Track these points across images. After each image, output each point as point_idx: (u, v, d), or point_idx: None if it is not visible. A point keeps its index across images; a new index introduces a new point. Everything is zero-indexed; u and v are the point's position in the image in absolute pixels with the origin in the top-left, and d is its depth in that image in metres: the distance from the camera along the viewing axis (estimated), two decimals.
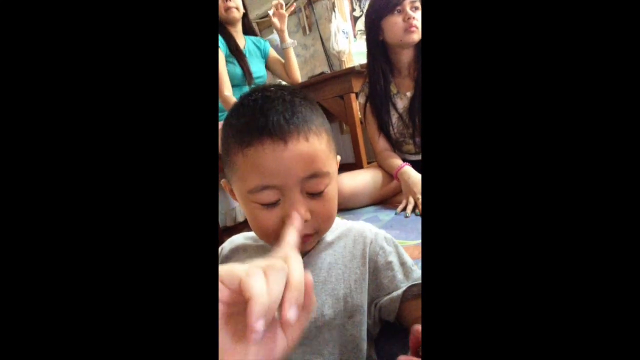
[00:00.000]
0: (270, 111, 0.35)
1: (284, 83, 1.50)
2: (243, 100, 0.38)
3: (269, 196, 0.36)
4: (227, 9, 1.37)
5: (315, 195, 0.37)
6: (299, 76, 1.58)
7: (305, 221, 0.37)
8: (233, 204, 1.83)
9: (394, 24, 1.03)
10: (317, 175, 0.36)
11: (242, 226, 1.87)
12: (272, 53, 1.58)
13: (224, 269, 0.23)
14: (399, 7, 1.02)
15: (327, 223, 0.40)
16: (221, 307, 0.23)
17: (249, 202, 0.37)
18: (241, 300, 0.22)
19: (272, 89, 0.38)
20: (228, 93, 1.32)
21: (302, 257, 0.41)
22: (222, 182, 0.43)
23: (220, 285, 0.23)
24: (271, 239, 0.39)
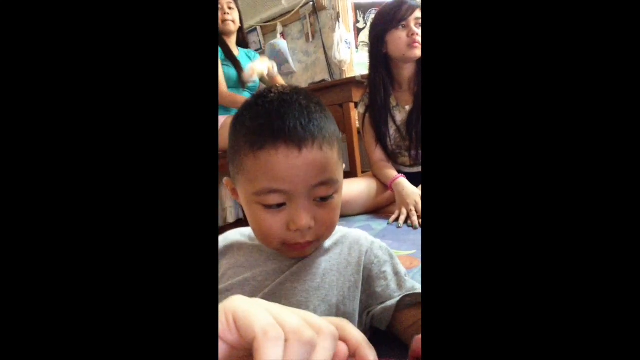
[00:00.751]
0: (287, 115, 0.34)
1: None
2: (257, 100, 0.37)
3: (275, 199, 0.36)
4: (224, 20, 1.45)
5: (321, 201, 0.37)
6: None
7: (309, 228, 0.37)
8: (224, 204, 1.82)
9: (397, 39, 1.05)
10: (326, 183, 0.36)
11: (232, 227, 1.86)
12: None
13: (241, 307, 0.19)
14: (403, 23, 1.04)
15: (329, 230, 0.40)
16: (223, 347, 0.19)
17: (253, 204, 0.37)
18: (248, 348, 0.18)
19: (288, 91, 0.38)
20: (226, 90, 1.39)
21: (298, 262, 0.42)
22: (225, 180, 0.43)
23: (231, 323, 0.19)
24: (271, 243, 0.39)
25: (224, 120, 1.40)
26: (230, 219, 1.85)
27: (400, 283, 0.42)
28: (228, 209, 1.82)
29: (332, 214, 0.38)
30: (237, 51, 1.53)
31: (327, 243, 0.44)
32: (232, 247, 0.47)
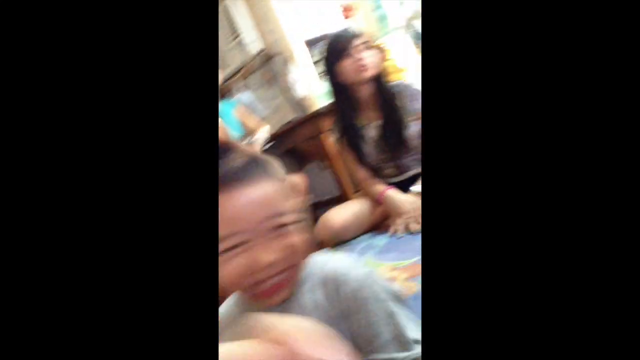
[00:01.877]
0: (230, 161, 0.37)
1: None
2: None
3: (230, 242, 0.35)
4: None
5: (279, 229, 0.36)
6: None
7: (271, 265, 0.35)
8: None
9: (345, 67, 1.13)
10: (278, 214, 0.36)
11: None
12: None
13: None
14: (346, 52, 1.13)
15: (298, 261, 0.38)
16: None
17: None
18: None
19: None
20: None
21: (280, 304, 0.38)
22: None
23: None
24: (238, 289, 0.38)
25: None
26: None
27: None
28: None
29: (293, 244, 0.37)
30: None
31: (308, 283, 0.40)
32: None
